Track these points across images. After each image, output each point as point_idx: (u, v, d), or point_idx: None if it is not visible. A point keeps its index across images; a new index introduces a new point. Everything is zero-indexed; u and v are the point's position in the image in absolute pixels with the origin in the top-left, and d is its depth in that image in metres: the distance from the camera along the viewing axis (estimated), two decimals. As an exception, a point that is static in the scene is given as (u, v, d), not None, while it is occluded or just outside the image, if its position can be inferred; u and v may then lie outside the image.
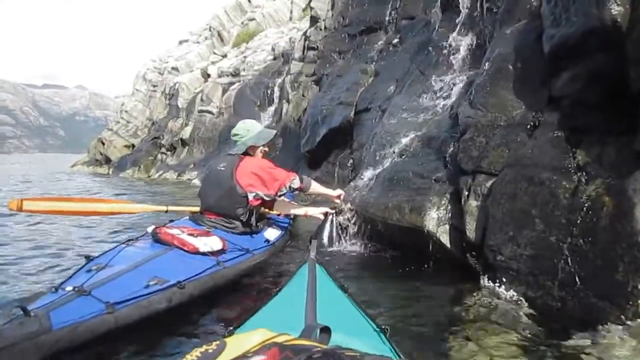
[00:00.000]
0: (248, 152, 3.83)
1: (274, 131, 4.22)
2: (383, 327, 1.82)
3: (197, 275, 2.81)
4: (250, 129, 3.86)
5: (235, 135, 3.84)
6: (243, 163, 3.68)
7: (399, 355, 1.68)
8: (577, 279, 2.35)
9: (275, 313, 1.89)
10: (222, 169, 3.70)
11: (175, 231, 3.14)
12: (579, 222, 2.42)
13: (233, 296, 3.10)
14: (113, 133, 23.15)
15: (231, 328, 1.74)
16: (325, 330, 1.41)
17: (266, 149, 3.96)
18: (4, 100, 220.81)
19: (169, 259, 2.86)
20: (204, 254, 3.03)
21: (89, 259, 2.78)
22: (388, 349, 1.71)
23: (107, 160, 21.71)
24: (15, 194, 10.66)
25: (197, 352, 1.10)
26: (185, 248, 2.99)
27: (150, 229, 3.21)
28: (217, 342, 1.14)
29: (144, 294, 2.44)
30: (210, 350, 1.10)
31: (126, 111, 24.25)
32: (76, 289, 2.23)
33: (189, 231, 3.19)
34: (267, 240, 3.78)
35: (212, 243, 3.13)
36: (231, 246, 3.32)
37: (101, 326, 2.19)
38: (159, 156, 18.71)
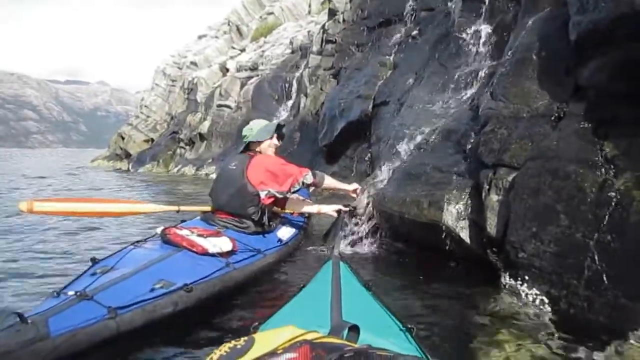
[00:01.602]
0: (258, 150, 3.77)
1: (276, 122, 4.18)
2: (409, 326, 1.78)
3: (205, 277, 2.72)
4: (254, 127, 3.82)
5: (244, 137, 3.82)
6: (254, 160, 3.62)
7: (426, 356, 1.63)
8: (604, 278, 2.23)
9: (300, 310, 1.88)
10: (233, 167, 3.64)
11: (184, 232, 3.06)
12: (606, 217, 2.30)
13: (242, 299, 3.00)
14: (132, 128, 23.34)
15: (256, 324, 1.72)
16: (354, 329, 1.39)
17: (277, 143, 3.88)
18: (28, 96, 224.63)
19: (177, 261, 2.78)
20: (213, 255, 2.94)
21: (94, 261, 2.70)
22: (414, 349, 1.67)
23: (127, 155, 21.88)
24: (29, 191, 10.65)
25: (225, 347, 1.09)
26: (194, 249, 2.91)
27: (159, 230, 3.14)
28: (246, 338, 1.13)
29: (149, 298, 2.35)
30: (239, 346, 1.09)
31: (146, 106, 24.42)
32: (78, 294, 2.16)
33: (199, 232, 3.11)
34: (280, 240, 3.70)
35: (221, 244, 3.04)
36: (242, 247, 3.23)
37: (103, 332, 2.10)
38: (178, 150, 18.79)
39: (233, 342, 1.11)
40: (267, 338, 1.15)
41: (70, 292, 2.18)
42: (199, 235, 3.05)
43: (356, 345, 1.15)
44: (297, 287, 2.14)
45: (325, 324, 1.49)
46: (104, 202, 3.84)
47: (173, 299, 2.46)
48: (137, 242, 3.09)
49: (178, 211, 3.94)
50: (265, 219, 3.59)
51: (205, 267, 2.81)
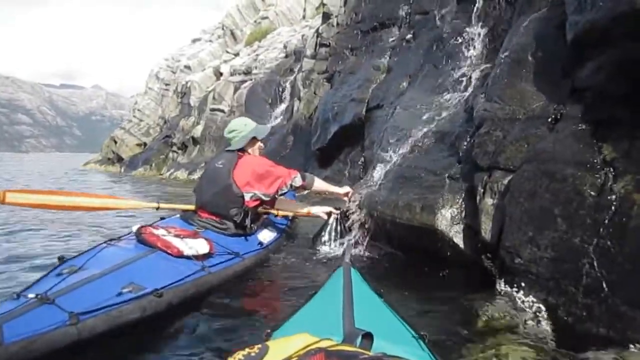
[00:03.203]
0: (246, 149, 3.68)
1: (269, 126, 4.12)
2: (422, 333, 1.74)
3: (177, 281, 2.58)
4: (248, 124, 3.74)
5: (233, 131, 3.70)
6: (242, 161, 3.53)
7: None
8: (603, 285, 2.14)
9: (312, 317, 1.86)
10: (220, 166, 3.55)
11: (160, 232, 2.94)
12: (606, 222, 2.21)
13: (216, 302, 2.86)
14: (125, 132, 23.22)
15: (268, 331, 1.68)
16: (368, 337, 1.35)
17: (262, 145, 3.82)
18: (22, 99, 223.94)
19: (150, 263, 2.64)
20: (188, 257, 2.82)
21: (62, 260, 2.53)
22: (428, 357, 1.64)
23: (119, 159, 21.76)
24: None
25: (239, 354, 1.09)
26: (169, 251, 2.78)
27: (134, 228, 3.01)
28: (260, 346, 1.12)
29: (115, 303, 2.20)
30: (252, 354, 1.09)
31: (139, 110, 24.33)
32: (39, 297, 2.01)
33: (176, 232, 2.99)
34: (261, 243, 3.60)
35: (197, 246, 2.92)
36: (220, 249, 3.12)
37: (63, 339, 1.94)
38: (171, 155, 18.70)
39: (247, 349, 1.10)
40: (281, 345, 1.14)
41: (31, 295, 2.03)
42: (176, 236, 2.93)
43: (370, 354, 1.13)
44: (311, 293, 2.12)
45: (338, 332, 1.47)
46: (80, 196, 3.69)
47: (141, 304, 2.31)
48: (111, 240, 2.95)
49: (158, 208, 3.82)
50: (247, 221, 3.49)
51: (179, 271, 2.68)
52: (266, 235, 3.77)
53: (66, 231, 4.89)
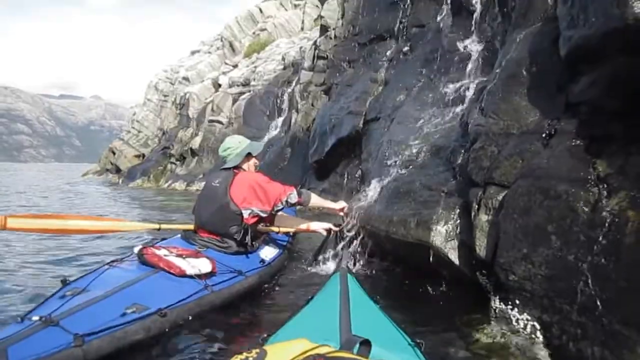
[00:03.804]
0: (241, 166, 3.67)
1: (263, 142, 4.10)
2: (418, 341, 1.76)
3: (181, 301, 2.59)
4: (242, 141, 3.74)
5: (227, 149, 3.69)
6: (238, 178, 3.52)
7: None
8: (598, 303, 2.11)
9: (308, 323, 1.87)
10: (217, 185, 3.54)
11: (162, 252, 2.94)
12: (600, 239, 2.18)
13: (220, 320, 2.84)
14: (124, 143, 23.25)
15: (265, 335, 1.69)
16: (366, 344, 1.36)
17: (257, 162, 3.81)
18: (21, 110, 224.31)
19: (152, 284, 2.65)
20: (191, 277, 2.82)
21: (65, 282, 2.55)
22: None
23: (117, 170, 21.74)
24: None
25: (237, 359, 1.09)
26: (172, 271, 2.78)
27: (136, 249, 3.01)
28: (257, 350, 1.12)
29: (119, 324, 2.21)
30: (250, 358, 1.09)
31: (137, 121, 24.36)
32: (43, 319, 2.01)
33: (178, 252, 2.99)
34: (263, 261, 3.57)
35: (200, 265, 2.92)
36: (222, 268, 3.10)
37: None
38: (169, 166, 18.71)
39: (245, 353, 1.10)
40: (279, 351, 1.14)
41: (35, 317, 2.04)
42: (178, 256, 2.93)
43: None
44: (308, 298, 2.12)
45: (334, 337, 1.48)
46: (82, 219, 3.70)
47: (146, 325, 2.32)
48: (113, 261, 2.96)
49: (159, 229, 3.82)
50: (248, 238, 3.47)
51: (182, 290, 2.68)
52: (268, 253, 3.74)
53: (68, 253, 4.86)
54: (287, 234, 4.18)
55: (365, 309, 1.99)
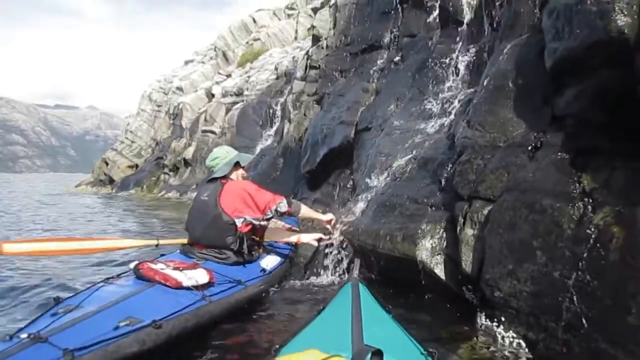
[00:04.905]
0: (229, 176, 3.63)
1: (252, 155, 4.06)
2: (431, 350, 1.74)
3: (177, 312, 2.51)
4: (230, 151, 3.70)
5: (215, 159, 3.64)
6: (226, 187, 3.47)
7: None
8: (583, 321, 2.08)
9: (320, 333, 1.85)
10: (206, 198, 3.49)
11: (159, 266, 2.87)
12: (585, 255, 2.15)
13: (219, 330, 2.81)
14: (117, 153, 23.14)
15: (277, 346, 1.68)
16: (378, 354, 1.35)
17: (244, 173, 3.77)
18: (16, 120, 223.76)
19: (148, 297, 2.58)
20: (188, 288, 2.75)
21: (58, 301, 2.48)
22: None
23: (111, 181, 21.62)
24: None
25: None
26: (168, 283, 2.72)
27: (132, 265, 2.96)
28: None
29: (112, 337, 2.13)
30: None
31: (131, 131, 24.26)
32: (31, 336, 1.95)
33: (175, 265, 2.93)
34: (264, 270, 3.52)
35: (197, 276, 2.85)
36: (220, 278, 3.05)
37: None
38: (162, 177, 18.61)
39: None
40: None
41: (24, 335, 1.97)
42: (175, 269, 2.87)
43: None
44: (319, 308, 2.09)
45: (346, 348, 1.48)
46: (77, 241, 3.64)
47: (140, 337, 2.24)
48: (108, 278, 2.89)
49: (157, 245, 3.76)
50: (244, 247, 3.42)
51: (178, 302, 2.61)
52: (269, 262, 3.70)
53: (63, 272, 4.79)
54: (288, 243, 4.14)
55: (377, 319, 1.98)
